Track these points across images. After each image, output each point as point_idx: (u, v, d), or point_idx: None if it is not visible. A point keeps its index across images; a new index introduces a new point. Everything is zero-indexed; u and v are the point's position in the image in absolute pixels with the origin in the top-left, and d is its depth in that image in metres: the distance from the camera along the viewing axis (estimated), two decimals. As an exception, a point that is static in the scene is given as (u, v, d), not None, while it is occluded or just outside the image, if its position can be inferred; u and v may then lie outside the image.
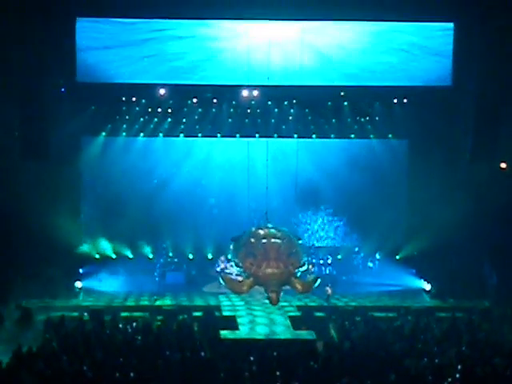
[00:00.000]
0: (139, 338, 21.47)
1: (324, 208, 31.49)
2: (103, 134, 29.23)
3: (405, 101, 28.67)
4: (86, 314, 24.69)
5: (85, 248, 29.34)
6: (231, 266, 22.17)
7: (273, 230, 21.21)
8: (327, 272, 30.30)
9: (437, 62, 27.78)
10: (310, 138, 29.78)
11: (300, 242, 21.97)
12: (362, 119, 29.49)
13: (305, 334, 24.06)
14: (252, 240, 20.86)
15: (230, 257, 22.61)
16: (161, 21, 26.99)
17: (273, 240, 20.55)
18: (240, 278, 20.94)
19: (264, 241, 20.54)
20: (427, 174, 29.00)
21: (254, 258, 20.15)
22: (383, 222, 30.01)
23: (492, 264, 28.16)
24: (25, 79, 26.26)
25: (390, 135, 30.01)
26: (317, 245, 31.24)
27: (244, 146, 28.20)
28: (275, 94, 28.15)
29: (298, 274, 20.50)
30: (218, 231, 29.66)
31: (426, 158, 29.22)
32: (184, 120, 29.14)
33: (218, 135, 29.69)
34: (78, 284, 27.58)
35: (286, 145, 29.89)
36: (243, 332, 24.20)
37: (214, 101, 28.58)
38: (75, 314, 24.66)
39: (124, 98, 28.27)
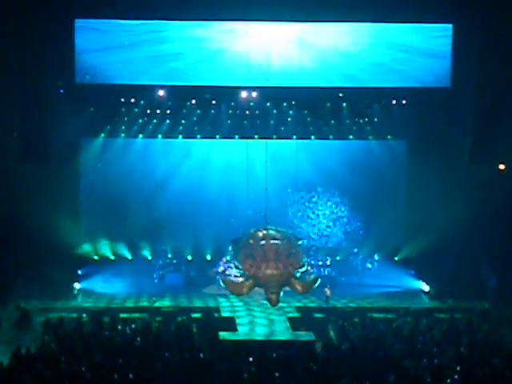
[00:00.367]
0: (138, 339, 21.40)
1: (323, 208, 31.51)
2: (102, 135, 29.17)
3: (404, 102, 28.64)
4: (84, 315, 24.66)
5: (84, 249, 29.31)
6: (231, 267, 22.18)
7: (272, 231, 21.21)
8: (326, 273, 30.32)
9: (436, 63, 27.76)
10: (309, 139, 29.74)
11: (300, 242, 21.97)
12: (361, 120, 29.41)
13: (304, 335, 24.03)
14: (251, 241, 20.87)
15: (229, 258, 22.62)
16: (159, 22, 27.00)
17: (272, 241, 20.57)
18: (240, 280, 20.95)
19: (263, 242, 20.54)
20: (426, 176, 28.91)
21: (253, 260, 20.18)
22: (382, 223, 30.04)
23: (491, 265, 28.18)
24: (24, 81, 26.28)
25: (388, 136, 29.99)
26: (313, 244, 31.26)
27: (243, 147, 28.15)
28: (274, 95, 28.11)
29: (298, 275, 20.50)
30: (217, 232, 29.66)
31: (425, 160, 29.12)
32: (183, 121, 29.05)
33: (217, 136, 29.62)
34: (76, 285, 27.58)
35: (284, 146, 29.87)
36: (242, 333, 24.18)
37: (213, 102, 28.49)
38: (74, 315, 24.62)
39: (123, 100, 28.19)
